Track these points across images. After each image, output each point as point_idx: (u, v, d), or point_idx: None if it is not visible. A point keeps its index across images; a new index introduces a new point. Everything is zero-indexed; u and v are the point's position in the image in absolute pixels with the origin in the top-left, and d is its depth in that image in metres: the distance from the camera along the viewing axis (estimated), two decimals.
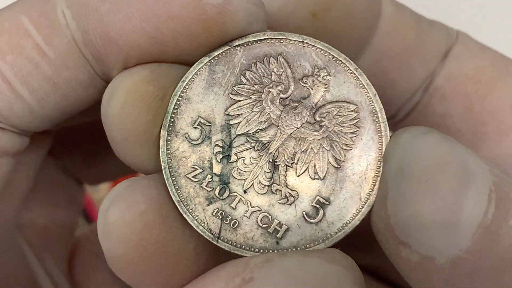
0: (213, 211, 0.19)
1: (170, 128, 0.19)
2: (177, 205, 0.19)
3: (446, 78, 0.23)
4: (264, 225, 0.19)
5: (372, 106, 0.19)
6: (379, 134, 0.19)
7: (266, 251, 0.19)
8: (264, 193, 0.19)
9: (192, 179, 0.19)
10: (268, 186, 0.19)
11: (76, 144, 0.30)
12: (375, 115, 0.19)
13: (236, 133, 0.20)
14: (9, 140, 0.21)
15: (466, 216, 0.17)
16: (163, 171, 0.19)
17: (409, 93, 0.24)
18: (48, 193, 0.28)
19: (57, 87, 0.20)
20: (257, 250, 0.19)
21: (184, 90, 0.20)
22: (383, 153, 0.19)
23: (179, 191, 0.19)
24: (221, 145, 0.19)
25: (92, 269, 0.29)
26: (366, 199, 0.19)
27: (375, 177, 0.19)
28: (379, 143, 0.19)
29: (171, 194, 0.19)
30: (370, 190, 0.19)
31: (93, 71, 0.20)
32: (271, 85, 0.20)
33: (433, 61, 0.24)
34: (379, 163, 0.19)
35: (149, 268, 0.19)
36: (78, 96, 0.21)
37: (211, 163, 0.19)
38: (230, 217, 0.19)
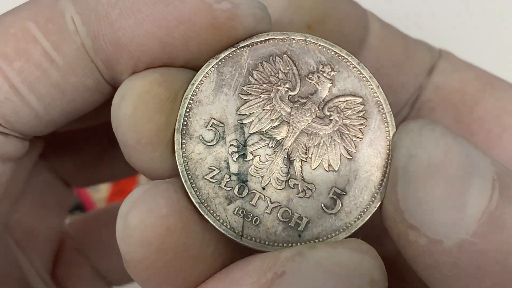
0: (234, 210, 0.19)
1: (184, 131, 0.20)
2: (198, 207, 0.19)
3: (433, 92, 0.25)
4: (285, 220, 0.20)
5: (376, 98, 0.20)
6: (385, 123, 0.20)
7: (289, 244, 0.20)
8: (282, 188, 0.20)
9: (210, 180, 0.19)
10: (286, 181, 0.20)
11: (66, 147, 0.29)
12: (380, 106, 0.20)
13: (250, 132, 0.20)
14: (12, 146, 0.21)
15: (472, 201, 0.18)
16: (181, 174, 0.19)
17: (397, 107, 0.25)
18: (37, 194, 0.28)
19: (64, 93, 0.20)
20: (280, 244, 0.20)
21: (194, 93, 0.20)
22: (391, 141, 0.20)
23: (198, 192, 0.19)
24: (236, 144, 0.20)
25: (75, 265, 0.29)
26: (379, 186, 0.20)
27: (386, 164, 0.20)
28: (387, 132, 0.20)
29: (191, 197, 0.19)
30: (382, 177, 0.20)
31: (101, 77, 0.20)
32: (279, 83, 0.20)
33: (420, 76, 0.25)
34: (388, 151, 0.20)
35: (167, 272, 0.19)
36: (83, 101, 0.20)
37: (228, 163, 0.20)
38: (251, 215, 0.19)
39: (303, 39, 0.20)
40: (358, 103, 0.20)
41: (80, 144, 0.29)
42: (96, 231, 0.31)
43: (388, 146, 0.20)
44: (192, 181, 0.19)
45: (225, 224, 0.19)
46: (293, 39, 0.20)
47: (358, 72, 0.20)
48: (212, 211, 0.19)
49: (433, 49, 0.26)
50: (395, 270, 0.25)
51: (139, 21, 0.19)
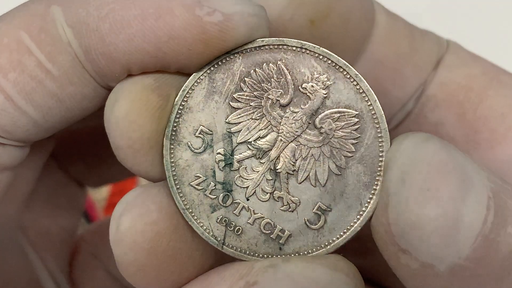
0: (217, 218, 0.20)
1: (173, 138, 0.20)
2: (182, 213, 0.20)
3: (438, 87, 0.23)
4: (267, 232, 0.20)
5: (372, 112, 0.19)
6: (379, 139, 0.19)
7: (269, 256, 0.20)
8: (266, 200, 0.20)
9: (196, 187, 0.20)
10: (270, 193, 0.20)
11: (78, 147, 0.30)
12: (376, 121, 0.19)
13: (238, 141, 0.20)
14: (9, 156, 0.21)
15: (466, 224, 0.17)
16: (168, 180, 0.20)
17: (402, 101, 0.24)
18: (50, 194, 0.29)
19: (61, 101, 0.20)
20: (260, 256, 0.20)
21: (185, 99, 0.20)
22: (383, 160, 0.19)
23: (183, 199, 0.20)
24: (223, 153, 0.20)
25: (90, 269, 0.30)
26: (366, 205, 0.19)
27: (376, 183, 0.19)
28: (380, 149, 0.19)
29: (176, 202, 0.20)
30: (371, 196, 0.19)
31: (98, 85, 0.20)
32: (270, 92, 0.20)
33: (426, 70, 0.24)
34: (379, 169, 0.19)
35: (158, 275, 0.20)
36: (82, 107, 0.21)
37: (214, 171, 0.20)
38: (234, 224, 0.20)
39: (299, 46, 0.20)
40: (352, 117, 0.19)
41: (91, 143, 0.30)
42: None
43: (380, 163, 0.19)
44: (178, 187, 0.20)
45: (207, 231, 0.20)
46: (289, 46, 0.20)
47: (355, 84, 0.19)
48: (196, 218, 0.20)
49: (440, 40, 0.24)
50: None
51: (129, 36, 0.19)
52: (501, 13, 0.41)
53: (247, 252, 0.20)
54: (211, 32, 0.19)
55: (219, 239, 0.20)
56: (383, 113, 0.19)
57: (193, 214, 0.20)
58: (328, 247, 0.20)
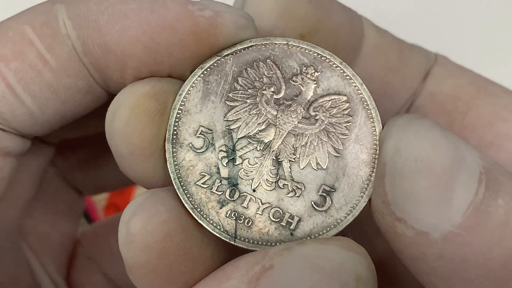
0: (227, 213, 0.20)
1: (174, 141, 0.20)
2: (191, 212, 0.20)
3: (427, 98, 0.25)
4: (276, 219, 0.20)
5: (361, 95, 0.21)
6: (371, 119, 0.21)
7: (282, 243, 0.20)
8: (273, 189, 0.20)
9: (202, 185, 0.20)
10: (275, 182, 0.20)
11: (76, 156, 0.31)
12: (365, 103, 0.21)
13: (238, 137, 0.21)
14: (11, 141, 0.22)
15: (458, 194, 0.18)
16: (173, 182, 0.20)
17: (392, 113, 0.25)
18: (49, 201, 0.29)
19: (57, 93, 0.21)
20: (273, 244, 0.20)
21: (182, 103, 0.21)
22: (378, 136, 0.20)
23: (191, 198, 0.20)
24: (225, 149, 0.20)
25: (87, 272, 0.30)
26: (367, 181, 0.20)
27: (373, 159, 0.20)
28: (372, 128, 0.20)
29: (184, 203, 0.20)
30: (371, 172, 0.20)
31: (92, 79, 0.21)
32: (264, 88, 0.21)
33: (414, 82, 0.25)
34: (375, 146, 0.20)
35: (169, 276, 0.20)
36: (76, 102, 0.22)
37: (218, 168, 0.20)
38: (243, 216, 0.20)
39: (285, 43, 0.21)
40: (343, 101, 0.21)
41: (88, 152, 0.31)
42: (105, 240, 0.32)
43: (374, 141, 0.20)
44: (184, 187, 0.20)
45: (218, 227, 0.20)
46: (275, 43, 0.21)
47: (341, 71, 0.21)
48: (205, 216, 0.20)
49: (428, 54, 0.26)
50: (385, 272, 0.25)
51: (125, 27, 0.20)
52: (488, 28, 0.44)
53: (260, 242, 0.20)
54: (201, 25, 0.20)
55: (230, 233, 0.20)
56: (370, 94, 0.21)
57: (202, 212, 0.20)
58: (338, 226, 0.20)
